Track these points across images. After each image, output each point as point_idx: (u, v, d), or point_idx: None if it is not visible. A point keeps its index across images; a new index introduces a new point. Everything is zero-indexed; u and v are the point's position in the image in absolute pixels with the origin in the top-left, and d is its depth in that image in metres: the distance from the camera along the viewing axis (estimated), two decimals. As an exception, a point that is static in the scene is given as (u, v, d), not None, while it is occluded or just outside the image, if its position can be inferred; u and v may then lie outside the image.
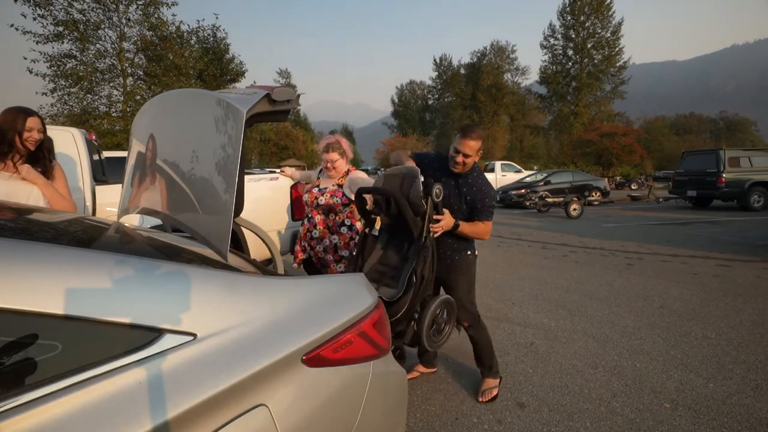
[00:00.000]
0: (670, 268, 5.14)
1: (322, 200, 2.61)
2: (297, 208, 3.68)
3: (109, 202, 3.24)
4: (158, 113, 1.58)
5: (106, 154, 4.40)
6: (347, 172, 2.68)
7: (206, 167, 1.17)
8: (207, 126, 1.19)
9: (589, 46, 35.55)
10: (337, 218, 2.62)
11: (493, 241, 7.34)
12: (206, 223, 1.16)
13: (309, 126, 54.87)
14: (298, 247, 2.76)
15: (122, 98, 17.20)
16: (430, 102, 58.02)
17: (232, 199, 1.05)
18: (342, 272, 2.54)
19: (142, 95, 17.90)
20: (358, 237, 2.62)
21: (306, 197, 2.74)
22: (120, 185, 3.29)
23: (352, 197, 2.59)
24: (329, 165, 2.62)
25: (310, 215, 2.69)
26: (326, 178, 2.74)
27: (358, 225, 2.65)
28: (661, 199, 14.56)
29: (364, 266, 2.16)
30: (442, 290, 2.34)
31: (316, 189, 2.69)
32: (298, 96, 1.33)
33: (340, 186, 2.64)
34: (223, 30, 23.54)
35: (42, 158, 2.01)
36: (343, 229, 2.62)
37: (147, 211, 1.52)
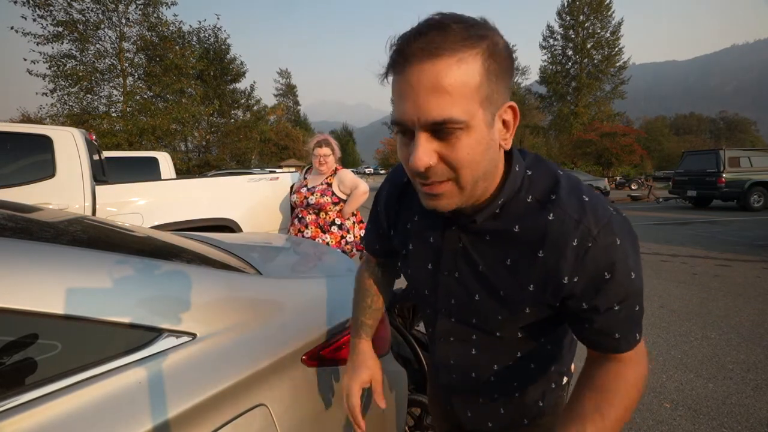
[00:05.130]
0: (670, 268, 5.14)
1: (312, 199, 2.64)
2: (297, 208, 3.69)
3: (109, 202, 3.23)
4: None
5: (106, 154, 4.40)
6: (335, 171, 2.73)
7: None
8: None
9: (588, 46, 35.49)
10: (327, 217, 2.66)
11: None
12: None
13: (309, 126, 54.81)
14: None
15: (122, 98, 17.22)
16: (429, 101, 58.15)
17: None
18: None
19: (141, 95, 17.92)
20: (349, 235, 2.67)
21: (294, 197, 2.76)
22: (120, 185, 3.30)
23: (341, 195, 2.67)
24: (321, 159, 2.67)
25: (300, 215, 2.72)
26: (315, 175, 2.78)
27: (348, 223, 2.69)
28: (661, 199, 14.56)
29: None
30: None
31: (305, 188, 2.72)
32: None
33: (330, 185, 2.68)
34: (224, 30, 23.57)
35: None
36: (334, 228, 2.66)
37: None
